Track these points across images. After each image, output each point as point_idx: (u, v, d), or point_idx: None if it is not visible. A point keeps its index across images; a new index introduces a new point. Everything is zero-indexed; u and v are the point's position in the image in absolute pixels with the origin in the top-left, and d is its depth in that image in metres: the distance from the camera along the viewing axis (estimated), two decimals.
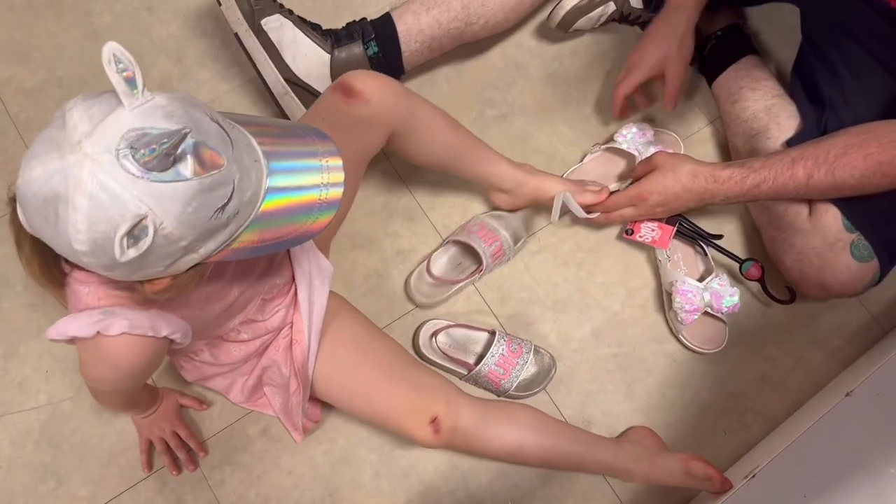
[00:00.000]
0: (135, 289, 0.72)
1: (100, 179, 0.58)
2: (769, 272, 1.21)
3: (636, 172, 1.18)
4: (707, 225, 1.25)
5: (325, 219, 0.72)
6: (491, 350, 1.15)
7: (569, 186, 1.19)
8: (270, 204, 0.68)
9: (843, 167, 1.02)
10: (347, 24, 1.24)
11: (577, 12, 1.31)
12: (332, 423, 1.17)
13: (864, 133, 1.03)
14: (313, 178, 0.71)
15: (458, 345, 1.20)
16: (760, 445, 1.16)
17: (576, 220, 1.27)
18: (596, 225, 1.26)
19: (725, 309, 1.19)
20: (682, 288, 1.19)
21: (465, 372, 1.17)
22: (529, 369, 1.18)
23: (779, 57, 1.40)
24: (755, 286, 1.24)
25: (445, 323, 1.20)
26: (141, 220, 0.58)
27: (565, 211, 1.16)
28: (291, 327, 1.03)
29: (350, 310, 1.10)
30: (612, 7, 1.32)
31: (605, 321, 1.25)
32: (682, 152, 1.30)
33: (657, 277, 1.27)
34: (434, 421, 1.00)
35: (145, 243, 0.59)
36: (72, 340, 0.77)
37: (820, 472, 0.96)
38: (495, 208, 1.26)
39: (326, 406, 1.15)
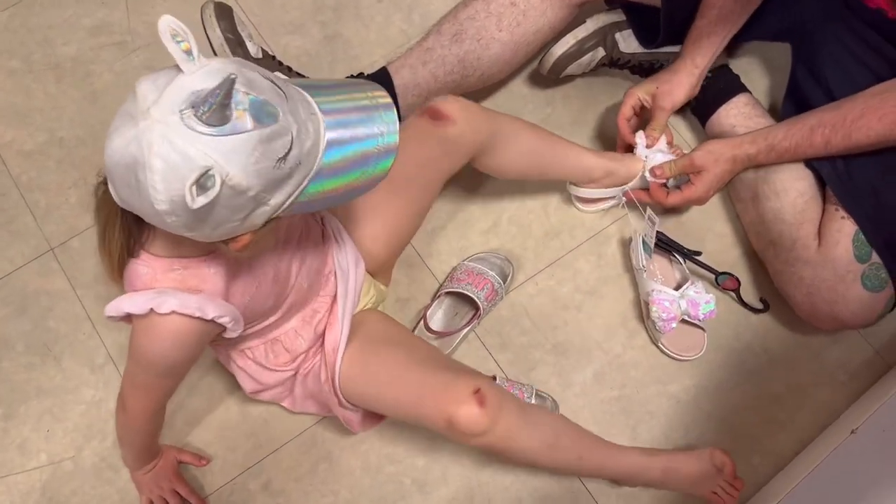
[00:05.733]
0: (191, 267, 0.81)
1: (169, 139, 0.63)
2: (756, 288, 1.27)
3: (681, 169, 1.21)
4: (691, 242, 1.28)
5: (385, 165, 0.77)
6: None
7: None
8: (332, 153, 0.73)
9: (858, 130, 1.07)
10: (345, 79, 1.26)
11: (568, 58, 1.33)
12: (334, 474, 1.15)
13: (883, 93, 1.07)
14: (369, 128, 0.75)
15: None
16: (768, 487, 1.14)
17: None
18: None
19: (702, 316, 1.19)
20: (657, 297, 1.19)
21: None
22: None
23: (769, 93, 1.41)
24: (760, 330, 1.26)
25: None
26: (207, 170, 0.63)
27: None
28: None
29: (380, 314, 1.11)
30: (601, 52, 1.34)
31: (607, 364, 1.24)
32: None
33: (635, 287, 1.28)
34: (478, 392, 0.92)
35: (213, 192, 0.63)
36: (125, 317, 0.82)
37: None
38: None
39: (333, 451, 1.14)
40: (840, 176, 1.16)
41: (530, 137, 1.18)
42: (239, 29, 1.17)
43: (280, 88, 0.69)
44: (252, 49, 1.18)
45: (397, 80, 1.23)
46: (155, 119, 0.64)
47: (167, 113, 0.64)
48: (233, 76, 0.63)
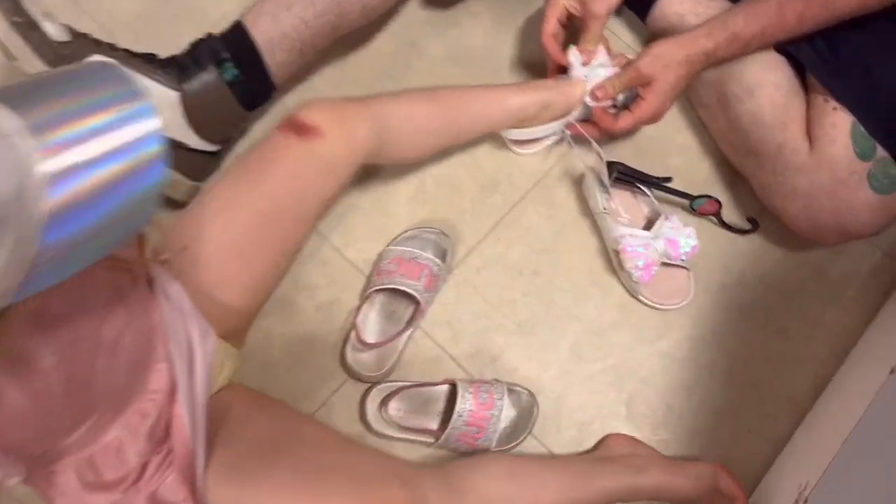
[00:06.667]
0: None
1: None
2: (738, 207, 1.10)
3: (626, 83, 0.98)
4: (651, 163, 1.07)
5: (153, 182, 0.53)
6: (456, 409, 0.93)
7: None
8: (63, 185, 0.47)
9: None
10: (192, 45, 0.97)
11: None
12: None
13: None
14: (108, 137, 0.50)
15: (416, 408, 0.98)
16: (794, 441, 0.97)
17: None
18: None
19: (684, 255, 1.00)
20: (628, 244, 0.99)
21: (431, 440, 0.96)
22: (508, 415, 0.96)
23: None
24: (751, 257, 1.07)
25: (394, 385, 0.97)
26: None
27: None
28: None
29: (245, 395, 0.85)
30: None
31: (583, 332, 1.03)
32: None
33: (597, 232, 1.07)
34: None
35: None
36: None
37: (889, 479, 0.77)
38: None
39: None
40: (822, 56, 0.95)
41: (430, 111, 0.94)
42: (27, 8, 0.86)
43: None
44: (53, 30, 0.87)
45: (257, 35, 0.95)
46: None
47: None
48: None
